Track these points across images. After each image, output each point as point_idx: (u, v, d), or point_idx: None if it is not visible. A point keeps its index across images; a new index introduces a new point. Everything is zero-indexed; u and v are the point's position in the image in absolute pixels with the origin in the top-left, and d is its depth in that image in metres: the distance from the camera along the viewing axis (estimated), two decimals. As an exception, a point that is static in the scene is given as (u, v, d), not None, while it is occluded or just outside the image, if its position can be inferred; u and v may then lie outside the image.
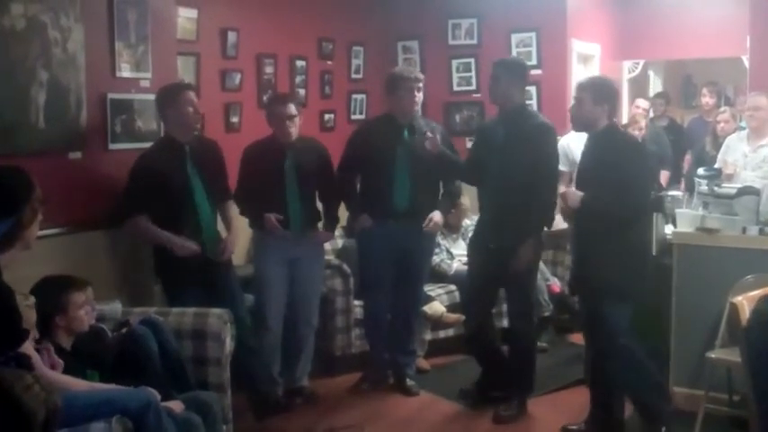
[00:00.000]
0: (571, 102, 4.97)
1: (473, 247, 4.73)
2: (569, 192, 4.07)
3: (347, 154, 4.80)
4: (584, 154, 4.11)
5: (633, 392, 4.07)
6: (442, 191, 4.87)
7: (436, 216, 4.73)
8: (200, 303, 3.94)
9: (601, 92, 3.97)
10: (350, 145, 4.82)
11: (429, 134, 4.52)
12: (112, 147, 4.23)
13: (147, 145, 4.33)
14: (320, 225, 4.74)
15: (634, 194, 3.88)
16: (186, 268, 4.12)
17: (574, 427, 4.25)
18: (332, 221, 4.79)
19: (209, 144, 4.44)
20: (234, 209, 4.56)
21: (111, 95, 4.19)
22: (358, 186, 4.87)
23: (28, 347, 2.79)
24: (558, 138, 5.12)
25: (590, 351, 4.26)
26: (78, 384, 3.09)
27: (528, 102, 6.42)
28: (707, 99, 7.63)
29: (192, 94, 4.23)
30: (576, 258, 4.20)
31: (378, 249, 4.72)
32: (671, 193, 5.25)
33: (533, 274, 4.63)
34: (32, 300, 3.05)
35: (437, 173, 4.73)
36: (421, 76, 4.70)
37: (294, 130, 4.53)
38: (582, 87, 4.07)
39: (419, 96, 4.65)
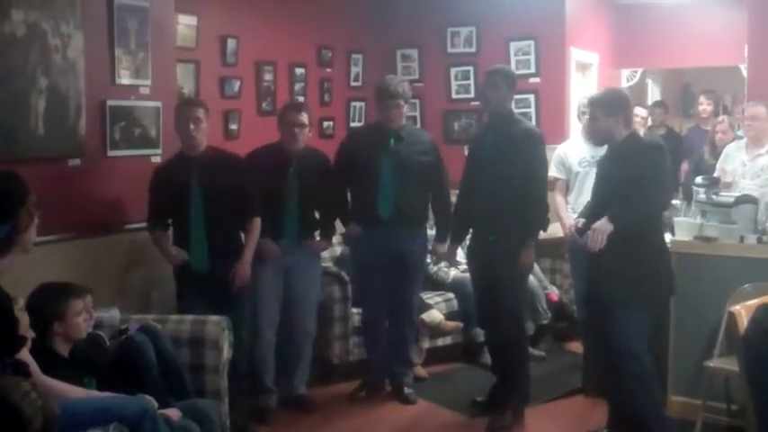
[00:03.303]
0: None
1: (470, 256, 4.77)
2: (598, 225, 3.80)
3: (337, 164, 4.82)
4: (603, 163, 4.08)
5: (634, 410, 3.90)
6: (433, 215, 4.91)
7: (441, 248, 4.86)
8: (206, 311, 3.93)
9: (611, 104, 3.96)
10: (339, 154, 4.84)
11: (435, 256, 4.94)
12: (111, 154, 4.25)
13: (146, 152, 4.35)
14: (317, 235, 4.74)
15: (658, 193, 3.84)
16: (193, 276, 4.18)
17: None
18: (329, 232, 4.81)
19: (225, 159, 4.35)
20: (256, 227, 4.34)
21: (110, 102, 4.20)
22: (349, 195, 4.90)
23: (25, 354, 2.79)
24: (555, 146, 5.13)
25: (599, 362, 4.17)
26: (75, 391, 3.08)
27: (526, 110, 6.48)
28: (704, 107, 7.63)
29: (194, 110, 4.21)
30: (589, 267, 4.03)
31: (369, 257, 4.75)
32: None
33: (523, 282, 4.61)
34: (21, 302, 3.05)
35: (425, 182, 4.75)
36: (407, 91, 4.69)
37: (302, 138, 4.56)
38: (593, 103, 4.10)
39: (405, 109, 4.70)
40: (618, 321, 3.79)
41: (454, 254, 5.11)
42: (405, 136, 4.72)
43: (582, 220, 4.11)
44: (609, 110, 3.94)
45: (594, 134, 4.12)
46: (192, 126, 4.18)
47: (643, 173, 3.79)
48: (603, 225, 3.77)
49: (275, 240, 4.53)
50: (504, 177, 4.35)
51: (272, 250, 4.50)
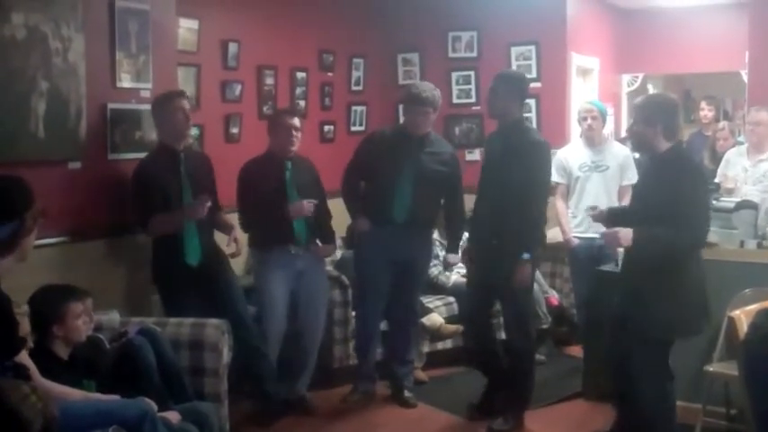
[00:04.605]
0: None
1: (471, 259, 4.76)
2: (620, 231, 3.72)
3: (356, 158, 4.86)
4: (642, 176, 3.95)
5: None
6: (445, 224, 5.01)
7: (453, 259, 4.97)
8: (200, 312, 3.94)
9: (650, 111, 3.74)
10: (360, 150, 4.87)
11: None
12: (112, 157, 4.24)
13: (147, 155, 4.36)
14: (318, 241, 4.76)
15: (693, 226, 3.65)
16: (184, 276, 4.16)
17: None
18: (329, 235, 4.82)
19: (202, 157, 4.52)
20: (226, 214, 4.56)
21: (111, 105, 4.20)
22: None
23: (25, 357, 2.79)
24: (555, 151, 5.13)
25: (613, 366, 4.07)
26: (75, 394, 3.08)
27: (527, 114, 6.46)
28: (705, 112, 7.63)
29: (183, 102, 4.25)
30: (624, 291, 3.87)
31: (374, 255, 4.74)
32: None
33: (529, 290, 4.60)
34: (24, 308, 3.05)
35: (440, 191, 4.77)
36: (437, 99, 4.70)
37: (297, 142, 4.58)
38: (635, 107, 3.95)
39: (432, 117, 4.70)
40: (647, 353, 3.72)
41: (472, 254, 4.97)
42: (428, 144, 4.72)
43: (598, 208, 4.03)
44: (647, 118, 3.72)
45: (632, 140, 3.95)
46: (188, 115, 4.24)
47: (681, 199, 3.61)
48: (625, 234, 3.67)
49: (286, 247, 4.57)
50: (507, 185, 4.31)
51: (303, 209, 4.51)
